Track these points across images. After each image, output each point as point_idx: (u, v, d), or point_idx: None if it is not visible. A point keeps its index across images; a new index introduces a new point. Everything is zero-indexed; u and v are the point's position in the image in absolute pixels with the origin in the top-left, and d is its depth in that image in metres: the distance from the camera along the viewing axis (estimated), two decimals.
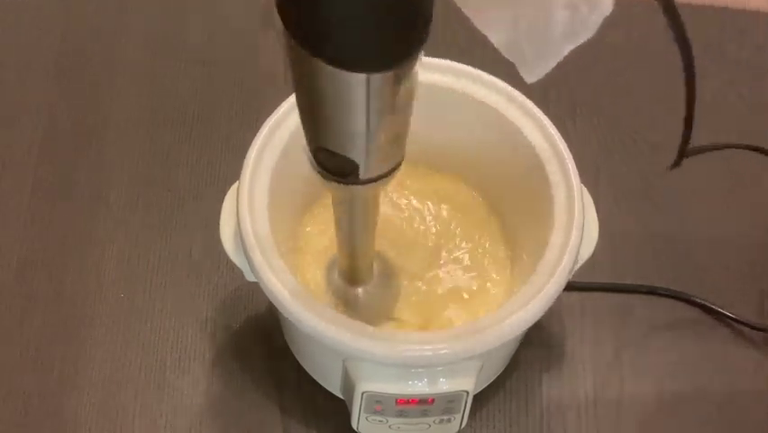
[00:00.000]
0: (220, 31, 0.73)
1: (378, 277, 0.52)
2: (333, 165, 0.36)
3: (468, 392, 0.47)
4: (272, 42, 0.72)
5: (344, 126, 0.33)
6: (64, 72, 0.70)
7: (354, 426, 0.50)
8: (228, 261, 0.49)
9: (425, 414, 0.48)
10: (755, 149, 0.62)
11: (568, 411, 0.57)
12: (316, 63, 0.30)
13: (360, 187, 0.37)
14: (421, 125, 0.53)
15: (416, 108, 0.54)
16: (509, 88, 0.51)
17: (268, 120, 0.50)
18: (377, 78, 0.30)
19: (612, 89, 0.71)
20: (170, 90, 0.70)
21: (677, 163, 0.42)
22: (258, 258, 0.45)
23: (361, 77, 0.30)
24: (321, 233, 0.55)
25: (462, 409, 0.48)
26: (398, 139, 0.36)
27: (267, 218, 0.47)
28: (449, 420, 0.49)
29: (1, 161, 0.65)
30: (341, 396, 0.53)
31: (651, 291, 0.61)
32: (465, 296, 0.53)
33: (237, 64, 0.71)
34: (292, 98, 0.50)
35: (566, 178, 0.49)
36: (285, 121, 0.50)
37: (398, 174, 0.38)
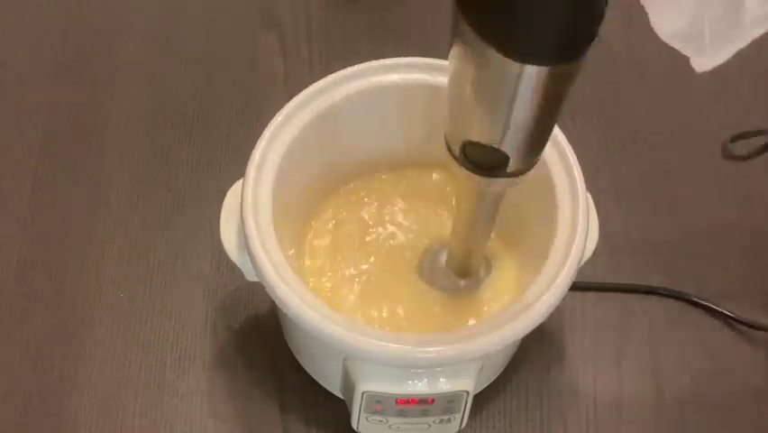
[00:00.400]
0: (220, 31, 0.73)
1: (484, 271, 0.53)
2: (482, 158, 0.37)
3: (468, 392, 0.47)
4: (272, 42, 0.72)
5: (505, 118, 0.34)
6: (64, 72, 0.70)
7: (354, 426, 0.50)
8: (228, 261, 0.49)
9: (425, 414, 0.48)
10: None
11: (568, 412, 0.57)
12: (491, 54, 0.30)
13: (506, 180, 0.38)
14: (423, 126, 0.54)
15: (418, 110, 0.54)
16: None
17: (272, 120, 0.50)
18: (547, 70, 0.31)
19: (612, 89, 0.71)
20: (170, 90, 0.70)
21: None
22: (261, 257, 0.45)
23: (533, 69, 0.31)
24: (323, 232, 0.55)
25: (462, 409, 0.48)
26: (548, 132, 0.37)
27: (270, 218, 0.47)
28: (449, 420, 0.49)
29: (1, 161, 0.65)
30: (341, 396, 0.53)
31: (651, 291, 0.61)
32: (471, 298, 0.53)
33: (237, 64, 0.71)
34: (296, 98, 0.50)
35: (571, 182, 0.49)
36: (289, 121, 0.50)
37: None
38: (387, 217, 0.56)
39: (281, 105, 0.50)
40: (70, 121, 0.68)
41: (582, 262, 0.49)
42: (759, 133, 0.49)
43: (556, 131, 0.50)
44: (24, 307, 0.59)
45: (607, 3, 0.30)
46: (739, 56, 0.76)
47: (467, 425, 0.50)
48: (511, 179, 0.38)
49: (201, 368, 0.57)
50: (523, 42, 0.30)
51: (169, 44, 0.72)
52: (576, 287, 0.59)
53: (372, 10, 0.75)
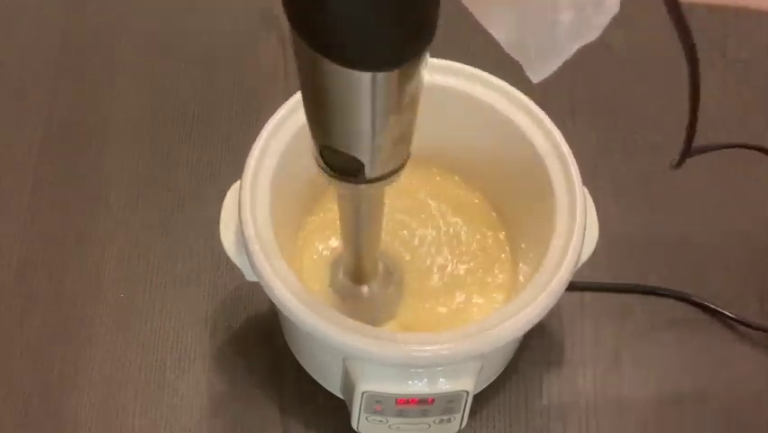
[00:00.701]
0: (220, 31, 0.73)
1: (382, 275, 0.52)
2: (339, 164, 0.36)
3: (468, 392, 0.47)
4: (272, 42, 0.72)
5: (349, 125, 0.33)
6: (64, 72, 0.70)
7: (354, 426, 0.50)
8: (228, 261, 0.49)
9: (425, 414, 0.48)
10: (756, 148, 0.62)
11: (568, 411, 0.57)
12: (322, 61, 0.29)
13: (365, 186, 0.37)
14: (423, 126, 0.53)
15: (418, 108, 0.54)
16: (512, 89, 0.51)
17: (270, 119, 0.50)
18: (382, 76, 0.30)
19: (612, 89, 0.71)
20: (170, 90, 0.70)
21: (680, 163, 0.42)
22: (259, 257, 0.45)
23: (367, 75, 0.30)
24: (322, 232, 0.55)
25: (462, 409, 0.48)
26: (404, 138, 0.36)
27: (269, 218, 0.47)
28: (449, 420, 0.49)
29: (1, 161, 0.65)
30: (341, 396, 0.53)
31: (651, 291, 0.61)
32: (467, 296, 0.53)
33: (237, 64, 0.71)
34: (294, 98, 0.50)
35: (568, 180, 0.49)
36: (287, 120, 0.50)
37: (403, 174, 0.38)
38: (386, 215, 0.56)
39: (281, 105, 0.50)
40: (70, 121, 0.68)
41: (582, 262, 0.49)
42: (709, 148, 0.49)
43: (553, 129, 0.50)
44: (24, 307, 0.59)
45: (438, 8, 0.29)
46: (739, 56, 0.76)
47: (467, 425, 0.50)
48: (372, 184, 0.37)
49: (201, 368, 0.57)
50: (348, 50, 0.29)
51: (169, 44, 0.72)
52: (576, 287, 0.59)
53: None
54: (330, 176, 0.37)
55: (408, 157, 0.38)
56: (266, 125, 0.49)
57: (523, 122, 0.51)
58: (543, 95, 0.52)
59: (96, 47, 0.72)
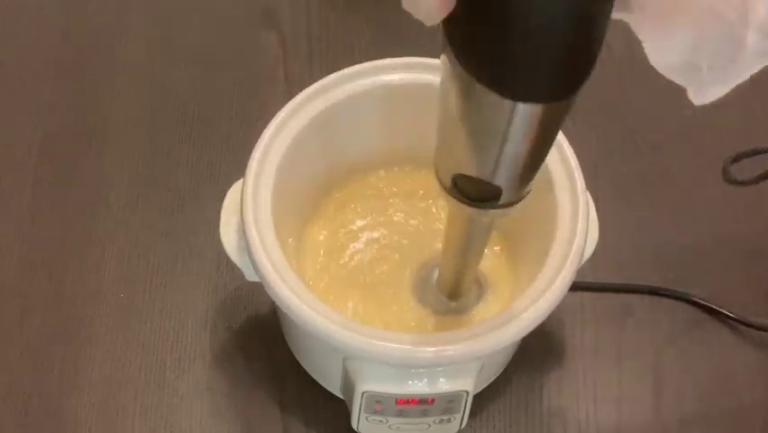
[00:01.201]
0: (220, 31, 0.73)
1: (475, 290, 0.52)
2: (473, 191, 0.37)
3: (468, 392, 0.47)
4: (272, 42, 0.72)
5: (497, 154, 0.33)
6: (64, 72, 0.70)
7: (354, 426, 0.50)
8: (228, 261, 0.49)
9: (424, 414, 0.48)
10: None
11: (568, 411, 0.57)
12: (484, 92, 0.30)
13: (498, 211, 0.38)
14: (423, 127, 0.53)
15: (418, 110, 0.54)
16: None
17: (273, 120, 0.50)
18: (541, 108, 0.31)
19: (612, 89, 0.71)
20: (170, 90, 0.70)
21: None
22: (261, 257, 0.45)
23: (527, 107, 0.30)
24: (324, 232, 0.55)
25: (462, 409, 0.48)
26: (540, 164, 0.37)
27: (270, 218, 0.47)
28: (449, 420, 0.49)
29: (1, 161, 0.65)
30: (341, 396, 0.53)
31: (651, 291, 0.61)
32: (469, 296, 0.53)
33: (237, 64, 0.71)
34: (296, 99, 0.50)
35: (571, 181, 0.48)
36: (290, 121, 0.50)
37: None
38: (387, 216, 0.56)
39: (281, 105, 0.50)
40: (70, 121, 0.68)
41: (582, 263, 0.49)
42: (759, 151, 0.48)
43: None
44: (24, 307, 0.59)
45: (601, 45, 0.30)
46: None
47: (467, 425, 0.50)
48: (503, 210, 0.38)
49: (201, 368, 0.57)
50: (517, 83, 0.30)
51: (169, 44, 0.72)
52: (576, 287, 0.59)
53: (372, 9, 0.75)
54: (461, 203, 0.38)
55: (533, 180, 0.38)
56: (268, 126, 0.50)
57: None
58: None
59: (96, 47, 0.72)
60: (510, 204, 0.37)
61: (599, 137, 0.68)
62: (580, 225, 0.47)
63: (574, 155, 0.49)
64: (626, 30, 0.73)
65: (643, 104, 0.70)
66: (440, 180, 0.38)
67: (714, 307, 0.60)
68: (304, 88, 0.51)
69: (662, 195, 0.66)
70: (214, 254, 0.61)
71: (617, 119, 0.69)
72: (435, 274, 0.52)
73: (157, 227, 0.63)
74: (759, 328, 0.59)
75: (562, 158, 0.49)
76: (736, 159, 0.43)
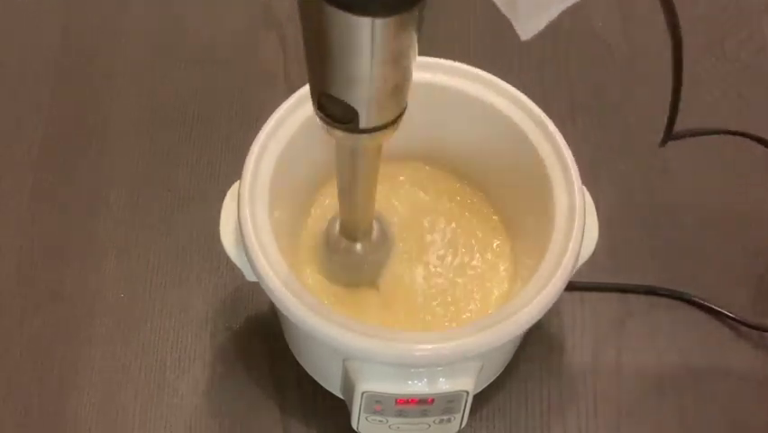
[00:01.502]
0: (220, 31, 0.73)
1: (377, 236, 0.52)
2: (335, 111, 0.37)
3: (468, 392, 0.47)
4: (272, 42, 0.72)
5: (346, 71, 0.34)
6: (64, 72, 0.70)
7: (354, 426, 0.50)
8: (228, 261, 0.49)
9: (424, 414, 0.48)
10: (755, 138, 0.62)
11: (568, 411, 0.57)
12: (322, 5, 0.30)
13: (360, 136, 0.38)
14: (424, 125, 0.54)
15: (419, 108, 0.54)
16: (512, 89, 0.51)
17: (269, 119, 0.50)
18: (380, 22, 0.31)
19: (612, 89, 0.71)
20: (170, 90, 0.70)
21: (664, 142, 0.44)
22: (259, 257, 0.45)
23: (366, 20, 0.31)
24: (322, 227, 0.55)
25: (462, 409, 0.48)
26: (398, 90, 0.37)
27: (268, 218, 0.47)
28: (449, 420, 0.49)
29: (1, 160, 0.66)
30: (341, 396, 0.53)
31: (651, 291, 0.61)
32: (465, 293, 0.53)
33: (237, 64, 0.71)
34: (292, 98, 0.50)
35: (568, 180, 0.49)
36: (287, 120, 0.50)
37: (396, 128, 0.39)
38: (385, 213, 0.56)
39: (280, 105, 0.50)
40: (70, 121, 0.68)
41: (582, 262, 0.49)
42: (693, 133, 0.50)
43: (552, 128, 0.50)
44: (24, 307, 0.59)
45: None
46: (740, 57, 0.76)
47: (467, 425, 0.50)
48: (368, 135, 0.38)
49: (201, 368, 0.57)
50: None
51: (169, 44, 0.72)
52: (576, 287, 0.59)
53: None
54: (326, 123, 0.38)
55: (403, 112, 0.39)
56: (265, 125, 0.50)
57: (523, 121, 0.51)
58: (543, 95, 0.52)
59: (96, 47, 0.72)
60: (371, 130, 0.38)
61: (599, 137, 0.68)
62: (577, 224, 0.47)
63: (571, 155, 0.49)
64: (626, 30, 0.74)
65: (643, 104, 0.70)
66: (312, 100, 0.38)
67: (714, 307, 0.60)
68: (301, 88, 0.51)
69: (661, 195, 0.66)
70: (214, 254, 0.61)
71: (617, 119, 0.69)
72: (337, 224, 0.52)
73: (157, 227, 0.63)
74: (759, 328, 0.59)
75: (559, 157, 0.49)
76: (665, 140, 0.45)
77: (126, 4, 0.75)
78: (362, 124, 0.37)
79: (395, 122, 0.39)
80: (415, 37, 0.34)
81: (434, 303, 0.53)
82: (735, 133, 0.61)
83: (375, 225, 0.52)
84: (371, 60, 0.33)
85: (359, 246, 0.52)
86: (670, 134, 0.43)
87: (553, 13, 0.31)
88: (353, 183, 0.45)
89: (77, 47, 0.72)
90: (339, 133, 0.38)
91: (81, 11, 0.74)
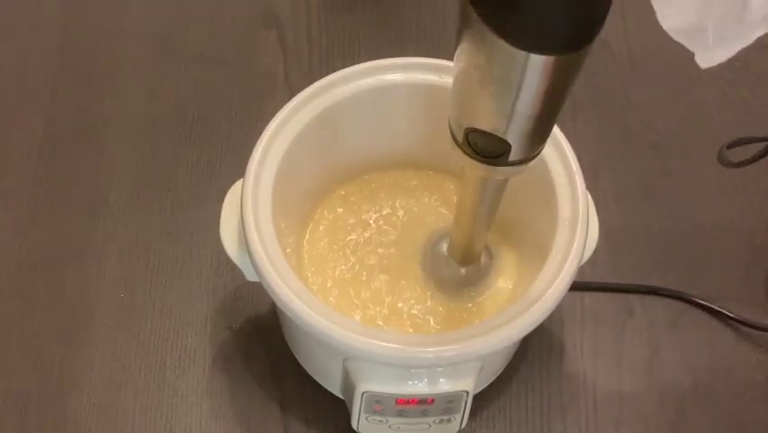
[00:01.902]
0: (220, 31, 0.73)
1: (485, 259, 0.53)
2: (484, 146, 0.37)
3: (468, 393, 0.47)
4: (272, 42, 0.72)
5: (509, 107, 0.34)
6: (64, 72, 0.70)
7: (354, 426, 0.50)
8: (228, 261, 0.49)
9: (424, 414, 0.48)
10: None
11: (568, 411, 0.57)
12: (497, 42, 0.30)
13: (507, 169, 0.38)
14: (425, 126, 0.54)
15: (418, 109, 0.54)
16: None
17: (272, 120, 0.50)
18: (553, 60, 0.31)
19: (612, 89, 0.71)
20: (170, 90, 0.70)
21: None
22: (261, 257, 0.45)
23: (539, 58, 0.31)
24: (324, 230, 0.55)
25: (462, 409, 0.48)
26: (552, 122, 0.37)
27: (270, 218, 0.47)
28: (449, 420, 0.49)
29: (1, 161, 0.65)
30: (341, 396, 0.53)
31: (651, 291, 0.61)
32: (470, 295, 0.53)
33: (237, 64, 0.71)
34: (296, 99, 0.50)
35: (572, 183, 0.48)
36: (290, 121, 0.50)
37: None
38: (387, 215, 0.56)
39: (281, 105, 0.50)
40: (70, 121, 0.68)
41: (582, 262, 0.49)
42: (755, 140, 0.49)
43: (556, 130, 0.50)
44: (24, 307, 0.59)
45: None
46: (740, 56, 0.76)
47: (467, 425, 0.50)
48: (514, 167, 0.38)
49: (201, 368, 0.57)
50: (529, 33, 0.30)
51: (169, 44, 0.72)
52: (576, 287, 0.59)
53: (372, 10, 0.75)
54: (472, 158, 0.38)
55: (546, 140, 0.39)
56: (268, 126, 0.50)
57: None
58: None
59: (96, 47, 0.72)
60: (521, 162, 0.38)
61: (599, 137, 0.68)
62: (580, 226, 0.47)
63: (574, 155, 0.49)
64: (626, 30, 0.74)
65: (643, 103, 0.70)
66: (453, 135, 0.39)
67: (714, 307, 0.60)
68: (304, 88, 0.51)
69: (662, 195, 0.66)
70: (214, 254, 0.61)
71: (617, 118, 0.69)
72: (444, 245, 0.53)
73: (157, 227, 0.63)
74: (759, 328, 0.59)
75: (562, 157, 0.49)
76: (731, 145, 0.44)
77: (126, 4, 0.75)
78: (512, 157, 0.37)
79: (539, 152, 0.39)
80: (579, 73, 0.34)
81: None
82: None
83: (484, 254, 0.53)
84: (537, 96, 0.33)
85: (463, 271, 0.53)
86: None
87: (748, 41, 0.31)
88: (478, 210, 0.45)
89: (77, 47, 0.72)
90: (483, 168, 0.39)
91: (81, 11, 0.74)
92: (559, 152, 0.49)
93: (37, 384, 0.56)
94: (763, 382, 0.58)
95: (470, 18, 0.31)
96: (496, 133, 0.36)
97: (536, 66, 0.31)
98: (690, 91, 0.70)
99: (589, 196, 0.50)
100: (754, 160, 0.43)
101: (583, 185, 0.49)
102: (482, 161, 0.38)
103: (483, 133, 0.36)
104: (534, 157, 0.39)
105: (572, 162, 0.49)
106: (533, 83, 0.32)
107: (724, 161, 0.44)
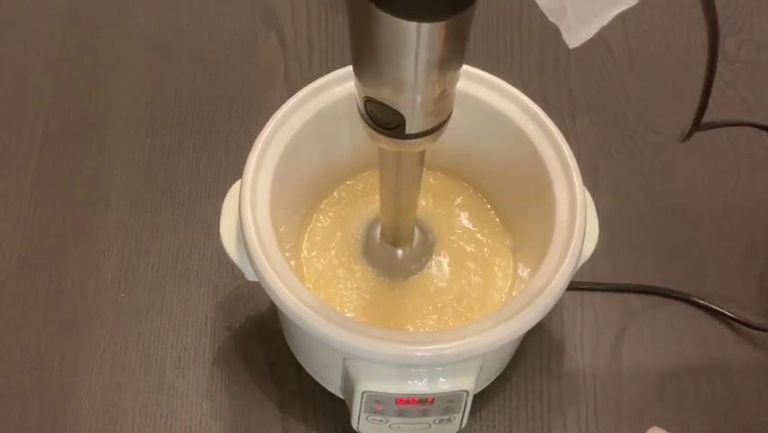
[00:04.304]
0: (220, 30, 0.73)
1: (418, 239, 0.53)
2: (381, 117, 0.37)
3: (468, 392, 0.47)
4: (272, 42, 0.73)
5: (393, 76, 0.34)
6: (64, 72, 0.70)
7: (354, 426, 0.50)
8: (228, 261, 0.49)
9: (425, 414, 0.48)
10: (761, 127, 0.62)
11: (568, 411, 0.57)
12: (370, 8, 0.30)
13: (405, 141, 0.38)
14: None
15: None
16: (512, 89, 0.51)
17: (271, 119, 0.50)
18: (427, 27, 0.31)
19: (612, 89, 0.71)
20: (170, 90, 0.70)
21: (689, 136, 0.43)
22: (260, 257, 0.45)
23: (412, 25, 0.31)
24: (323, 229, 0.55)
25: (462, 408, 0.48)
26: (445, 96, 0.37)
27: (269, 218, 0.47)
28: (449, 420, 0.49)
29: (1, 161, 0.66)
30: (341, 396, 0.53)
31: (651, 291, 0.61)
32: (470, 294, 0.53)
33: (237, 64, 0.71)
34: (294, 98, 0.50)
35: (569, 180, 0.48)
36: (288, 120, 0.50)
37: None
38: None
39: (281, 105, 0.50)
40: (70, 121, 0.68)
41: (582, 262, 0.49)
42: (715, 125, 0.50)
43: (555, 130, 0.50)
44: (24, 307, 0.59)
45: None
46: (741, 57, 0.76)
47: (467, 425, 0.50)
48: (413, 140, 0.38)
49: (201, 368, 0.57)
50: (402, 2, 0.30)
51: (169, 44, 0.72)
52: (576, 287, 0.59)
53: None
54: (373, 129, 0.38)
55: (449, 116, 0.38)
56: (266, 125, 0.50)
57: (523, 122, 0.51)
58: (543, 95, 0.52)
59: (96, 47, 0.72)
60: (418, 136, 0.37)
61: (599, 137, 0.68)
62: (578, 224, 0.47)
63: (572, 154, 0.49)
64: (626, 30, 0.74)
65: (643, 104, 0.70)
66: (357, 108, 0.38)
67: (714, 307, 0.60)
68: (303, 88, 0.51)
69: (662, 195, 0.66)
70: (214, 254, 0.61)
71: (617, 118, 0.69)
72: (378, 228, 0.53)
73: (157, 227, 0.63)
74: (759, 328, 0.59)
75: (561, 157, 0.49)
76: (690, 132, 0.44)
77: (126, 4, 0.75)
78: (408, 129, 0.37)
79: (440, 127, 0.38)
80: (463, 43, 0.33)
81: (438, 303, 0.53)
82: (754, 126, 0.61)
83: (416, 232, 0.52)
84: (418, 65, 0.33)
85: (400, 252, 0.52)
86: (697, 126, 0.42)
87: (605, 20, 0.31)
88: (396, 188, 0.45)
89: (77, 47, 0.72)
90: (384, 139, 0.38)
91: (81, 11, 0.74)
92: (558, 152, 0.49)
93: (37, 384, 0.56)
94: (762, 382, 0.58)
95: None
96: (387, 104, 0.35)
97: (412, 33, 0.31)
98: (690, 91, 0.70)
99: (589, 196, 0.50)
100: (695, 126, 0.43)
101: (580, 181, 0.48)
102: (382, 132, 0.38)
103: (377, 102, 0.36)
104: (433, 131, 0.38)
105: (571, 162, 0.49)
106: (411, 51, 0.32)
107: (680, 138, 0.45)
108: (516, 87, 0.51)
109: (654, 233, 0.64)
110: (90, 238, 0.62)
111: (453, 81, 0.36)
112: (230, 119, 0.68)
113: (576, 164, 0.49)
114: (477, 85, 0.52)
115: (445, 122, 0.38)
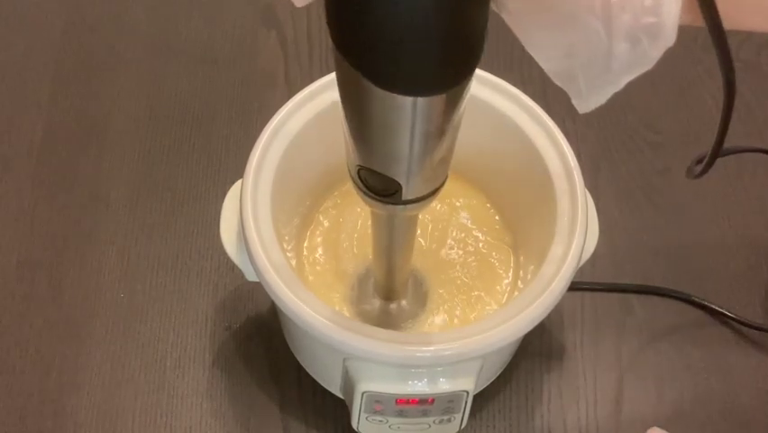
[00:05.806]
0: (220, 31, 0.73)
1: (411, 291, 0.53)
2: (376, 184, 0.36)
3: (468, 392, 0.47)
4: (272, 42, 0.72)
5: (388, 147, 0.33)
6: (64, 72, 0.70)
7: (354, 426, 0.50)
8: (228, 261, 0.49)
9: (425, 414, 0.48)
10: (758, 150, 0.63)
11: (568, 411, 0.57)
12: (364, 82, 0.29)
13: (400, 207, 0.37)
14: None
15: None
16: (514, 90, 0.51)
17: (271, 120, 0.50)
18: (424, 101, 0.30)
19: None
20: (170, 90, 0.70)
21: (705, 171, 0.41)
22: (261, 257, 0.45)
23: (408, 100, 0.29)
24: (323, 230, 0.55)
25: (462, 409, 0.48)
26: (442, 162, 0.36)
27: (270, 218, 0.47)
28: (449, 420, 0.49)
29: (1, 160, 0.65)
30: (341, 396, 0.53)
31: (651, 291, 0.61)
32: (472, 295, 0.53)
33: (237, 64, 0.71)
34: (295, 98, 0.50)
35: (571, 183, 0.49)
36: (289, 121, 0.50)
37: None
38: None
39: (281, 105, 0.50)
40: (70, 121, 0.68)
41: (583, 262, 0.49)
42: (725, 152, 0.49)
43: (555, 130, 0.50)
44: (24, 307, 0.59)
45: (484, 35, 0.29)
46: (740, 57, 0.75)
47: (467, 425, 0.50)
48: (409, 206, 0.37)
49: (201, 368, 0.57)
50: (383, 74, 0.29)
51: (169, 44, 0.72)
52: (576, 287, 0.59)
53: None
54: (366, 196, 0.37)
55: (445, 180, 0.37)
56: (267, 126, 0.50)
57: (524, 122, 0.51)
58: (543, 94, 0.52)
59: (96, 47, 0.72)
60: (415, 201, 0.36)
61: (599, 137, 0.68)
62: (579, 225, 0.47)
63: (573, 155, 0.49)
64: None
65: (643, 104, 0.70)
66: (349, 173, 0.37)
67: (714, 307, 0.60)
68: (304, 88, 0.51)
69: (662, 195, 0.66)
70: (214, 254, 0.61)
71: (617, 119, 0.69)
72: (371, 280, 0.52)
73: (157, 227, 0.63)
74: (759, 328, 0.59)
75: (561, 157, 0.49)
76: (700, 160, 0.43)
77: (126, 4, 0.75)
78: (405, 196, 0.36)
79: (437, 191, 0.37)
80: (459, 112, 0.32)
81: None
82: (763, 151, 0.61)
83: (410, 284, 0.52)
84: (414, 137, 0.32)
85: (393, 306, 0.52)
86: (710, 167, 0.41)
87: (618, 87, 0.30)
88: (390, 248, 0.44)
89: (77, 47, 0.72)
90: (378, 205, 0.37)
91: (81, 11, 0.74)
92: (558, 152, 0.49)
93: (37, 384, 0.56)
94: (763, 382, 0.58)
95: (337, 60, 0.30)
96: (384, 173, 0.34)
97: (404, 106, 0.30)
98: (690, 91, 0.70)
99: (590, 196, 0.50)
100: (708, 166, 0.42)
101: (582, 184, 0.48)
102: (376, 199, 0.37)
103: (371, 171, 0.35)
104: (431, 195, 0.37)
105: (572, 162, 0.49)
106: (404, 124, 0.31)
107: (690, 175, 0.43)
108: (517, 87, 0.51)
109: (655, 233, 0.64)
110: (90, 238, 0.62)
111: (451, 148, 0.35)
112: (230, 119, 0.68)
113: (577, 164, 0.49)
114: (478, 85, 0.52)
115: (443, 184, 0.38)
